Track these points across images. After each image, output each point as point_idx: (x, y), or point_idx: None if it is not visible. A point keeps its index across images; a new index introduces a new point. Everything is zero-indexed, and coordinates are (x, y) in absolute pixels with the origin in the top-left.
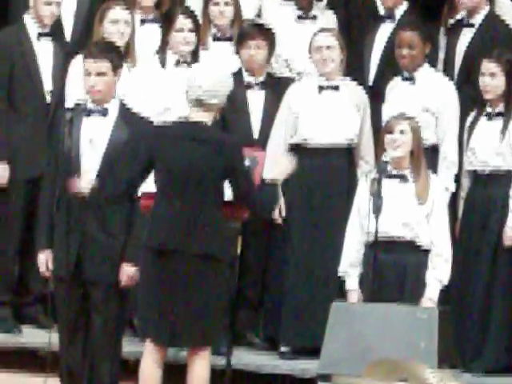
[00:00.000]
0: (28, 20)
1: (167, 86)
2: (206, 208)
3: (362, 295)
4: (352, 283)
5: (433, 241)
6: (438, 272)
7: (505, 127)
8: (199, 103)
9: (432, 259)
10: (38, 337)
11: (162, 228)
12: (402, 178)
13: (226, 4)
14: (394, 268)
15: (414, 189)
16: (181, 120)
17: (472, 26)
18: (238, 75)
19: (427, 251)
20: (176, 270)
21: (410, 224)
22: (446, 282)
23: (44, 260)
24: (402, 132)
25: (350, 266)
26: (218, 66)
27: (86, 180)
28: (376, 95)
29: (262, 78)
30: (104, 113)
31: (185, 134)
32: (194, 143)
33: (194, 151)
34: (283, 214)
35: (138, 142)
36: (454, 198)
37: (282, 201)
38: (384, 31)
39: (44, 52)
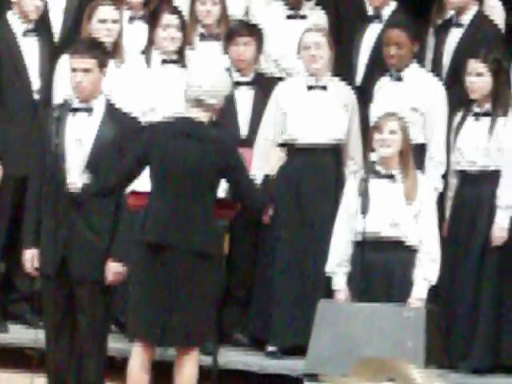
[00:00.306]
0: (11, 17)
1: (153, 85)
2: (200, 205)
3: (349, 294)
4: (339, 282)
5: (421, 240)
6: (426, 271)
7: (492, 127)
8: (198, 103)
9: (420, 258)
10: (24, 334)
11: (155, 223)
12: (391, 177)
13: (214, 3)
14: (381, 267)
15: (403, 188)
16: (178, 117)
17: (460, 25)
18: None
19: (415, 250)
20: (169, 266)
21: (398, 224)
22: (434, 281)
23: (30, 258)
24: (391, 131)
25: (338, 264)
26: (215, 65)
27: (73, 177)
28: (364, 95)
29: (250, 77)
30: (89, 111)
31: (182, 130)
32: (191, 140)
33: (191, 148)
34: (270, 212)
35: (127, 137)
36: (442, 197)
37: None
38: (372, 31)
39: (30, 49)
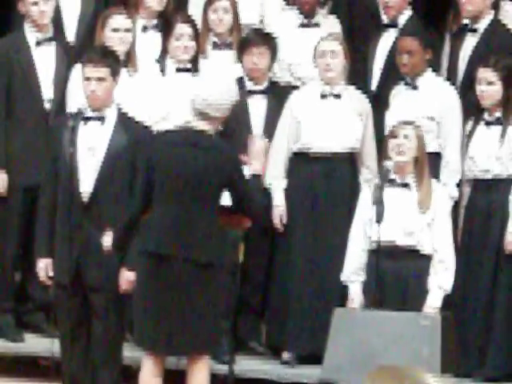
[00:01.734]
0: (27, 27)
1: (167, 94)
2: (203, 215)
3: (364, 302)
4: (355, 290)
5: (435, 248)
6: (441, 279)
7: (503, 134)
8: (203, 115)
9: (434, 266)
10: (40, 344)
11: (158, 233)
12: (405, 186)
13: (225, 11)
14: (396, 275)
15: (417, 196)
16: (182, 127)
17: (476, 32)
18: (239, 82)
19: (429, 258)
20: (172, 276)
21: (412, 232)
22: (448, 289)
23: (43, 267)
24: (406, 137)
25: (353, 272)
26: (223, 76)
27: (86, 186)
28: (379, 102)
29: (264, 85)
30: (102, 119)
31: (185, 140)
32: (194, 150)
33: (194, 158)
34: (284, 220)
35: (140, 146)
36: (455, 205)
37: (283, 208)
38: (387, 38)
39: (45, 58)
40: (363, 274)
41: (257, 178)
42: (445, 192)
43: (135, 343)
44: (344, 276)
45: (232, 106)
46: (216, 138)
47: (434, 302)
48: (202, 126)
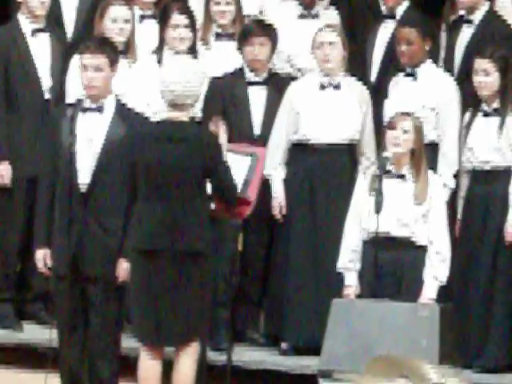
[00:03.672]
0: (21, 17)
1: None
2: (189, 206)
3: (359, 291)
4: (351, 278)
5: (431, 239)
6: (436, 271)
7: (502, 124)
8: (174, 105)
9: (430, 258)
10: (38, 334)
11: (146, 229)
12: (401, 177)
13: (227, 3)
14: (391, 266)
15: (413, 188)
16: (160, 120)
17: (472, 23)
18: (240, 72)
19: (425, 249)
20: (161, 269)
21: (407, 223)
22: (444, 280)
23: (42, 257)
24: (404, 130)
25: (349, 261)
26: (186, 63)
27: (84, 177)
28: (378, 93)
29: (264, 75)
30: (100, 110)
31: (163, 134)
32: (173, 143)
33: (174, 151)
34: (284, 211)
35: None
36: (454, 196)
37: (282, 198)
38: (386, 29)
39: (41, 48)
40: (359, 262)
41: None
42: (441, 183)
43: (133, 333)
44: (340, 264)
45: (201, 88)
46: (192, 127)
47: (429, 293)
48: (177, 116)
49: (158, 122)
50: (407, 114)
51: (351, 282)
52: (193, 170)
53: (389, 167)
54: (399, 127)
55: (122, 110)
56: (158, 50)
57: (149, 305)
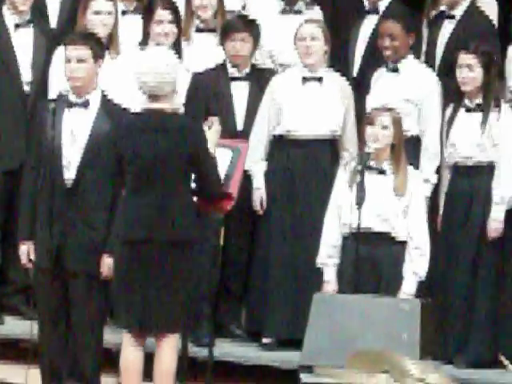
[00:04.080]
0: (5, 11)
1: None
2: (176, 195)
3: (337, 286)
4: (329, 274)
5: (410, 235)
6: (415, 266)
7: (484, 120)
8: (153, 96)
9: (409, 253)
10: (19, 327)
11: (132, 219)
12: (381, 172)
13: None
14: (370, 261)
15: (393, 182)
16: (143, 110)
17: (453, 17)
18: (222, 67)
19: (404, 244)
20: (147, 258)
21: (387, 218)
22: (423, 275)
23: (25, 251)
24: (383, 125)
25: (328, 256)
26: (157, 55)
27: (69, 171)
28: (360, 86)
29: (246, 71)
30: (85, 104)
31: (146, 124)
32: (158, 132)
33: (159, 141)
34: (265, 205)
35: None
36: (435, 190)
37: (264, 192)
38: (368, 23)
39: (23, 42)
40: (338, 257)
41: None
42: (421, 179)
43: (113, 323)
44: (319, 259)
45: (175, 77)
46: (176, 116)
47: (408, 288)
48: (158, 105)
49: (140, 113)
50: (385, 109)
51: (330, 277)
52: (177, 159)
53: (369, 162)
54: (377, 123)
55: (108, 105)
56: (143, 45)
57: (134, 293)
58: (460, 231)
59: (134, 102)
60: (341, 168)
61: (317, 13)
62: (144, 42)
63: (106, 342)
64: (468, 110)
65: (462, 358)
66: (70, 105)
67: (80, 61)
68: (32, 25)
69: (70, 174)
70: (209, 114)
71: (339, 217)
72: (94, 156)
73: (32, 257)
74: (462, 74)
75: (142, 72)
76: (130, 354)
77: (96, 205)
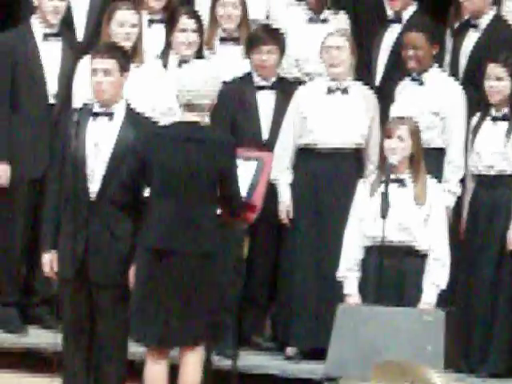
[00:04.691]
0: (34, 21)
1: (169, 87)
2: (204, 206)
3: (360, 300)
4: (351, 287)
5: (431, 245)
6: (436, 276)
7: (510, 130)
8: (191, 106)
9: (430, 263)
10: (43, 338)
11: (158, 229)
12: (401, 182)
13: (234, 7)
14: (393, 273)
15: (413, 192)
16: (175, 122)
17: (477, 27)
18: (248, 77)
19: (426, 256)
20: (172, 270)
21: (408, 228)
22: (443, 286)
23: (48, 261)
24: (400, 138)
25: (349, 270)
26: (204, 66)
27: (93, 182)
28: (383, 97)
29: (272, 80)
30: (110, 115)
31: (179, 134)
32: (189, 143)
33: (190, 151)
34: (291, 215)
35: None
36: (459, 200)
37: (290, 203)
38: (392, 33)
39: (51, 53)
40: (358, 270)
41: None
42: (441, 189)
43: (133, 339)
44: (340, 273)
45: (217, 92)
46: (209, 129)
47: (428, 299)
48: (191, 117)
49: (172, 124)
50: (402, 121)
51: (351, 290)
52: (207, 171)
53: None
54: (395, 136)
55: (132, 116)
56: (164, 55)
57: (158, 305)
58: (482, 242)
59: (155, 113)
60: (360, 181)
61: (343, 21)
62: (166, 52)
63: (129, 353)
64: (494, 120)
65: (484, 367)
66: (95, 115)
67: (106, 73)
68: (61, 38)
69: (94, 185)
70: (235, 123)
71: (360, 230)
72: (118, 167)
73: (55, 267)
74: (489, 84)
75: (190, 79)
76: (155, 367)
77: (120, 215)
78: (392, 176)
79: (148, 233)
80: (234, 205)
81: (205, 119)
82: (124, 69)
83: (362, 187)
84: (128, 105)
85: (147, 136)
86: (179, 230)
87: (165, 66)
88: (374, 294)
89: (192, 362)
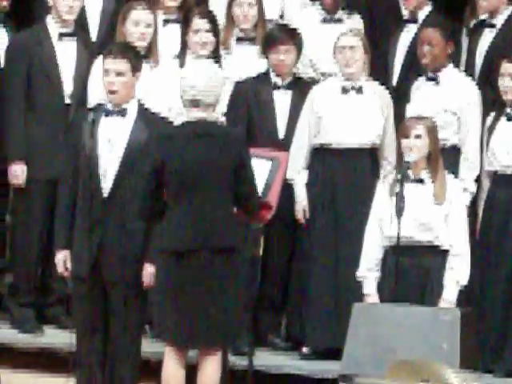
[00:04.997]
0: (50, 21)
1: None
2: (220, 203)
3: (379, 299)
4: (370, 287)
5: (451, 242)
6: (456, 273)
7: None
8: (196, 103)
9: (450, 260)
10: (59, 338)
11: (178, 231)
12: (420, 181)
13: (250, 6)
14: (415, 272)
15: (432, 190)
16: (185, 121)
17: (493, 26)
18: (264, 76)
19: (447, 253)
20: (193, 269)
21: (429, 226)
22: (464, 283)
23: (62, 260)
24: (417, 136)
25: (369, 270)
26: (206, 63)
27: (106, 180)
28: (399, 96)
29: (288, 80)
30: (123, 113)
31: (191, 132)
32: (201, 140)
33: (202, 148)
34: (307, 215)
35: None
36: (475, 198)
37: (306, 203)
38: (408, 33)
39: (66, 52)
40: (378, 270)
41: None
42: (460, 187)
43: (156, 336)
44: (360, 272)
45: (221, 90)
46: (218, 125)
47: (449, 296)
48: (198, 114)
49: (184, 123)
50: (419, 120)
51: (370, 290)
52: (222, 167)
53: (408, 172)
54: (412, 134)
55: (145, 114)
56: (181, 55)
57: (182, 306)
58: (498, 240)
59: (172, 112)
60: (380, 180)
61: (357, 21)
62: (182, 52)
63: (144, 352)
64: (509, 118)
65: (500, 366)
66: (107, 113)
67: (118, 74)
68: (75, 38)
69: (107, 183)
70: (251, 122)
71: (380, 230)
72: (132, 164)
73: (69, 266)
74: (504, 83)
75: (194, 77)
76: (173, 368)
77: (133, 214)
78: (410, 175)
79: (168, 235)
80: (251, 202)
81: (211, 115)
82: (136, 69)
83: (382, 187)
84: (140, 104)
85: (158, 139)
86: (199, 230)
87: (181, 65)
88: (392, 293)
89: (211, 362)
